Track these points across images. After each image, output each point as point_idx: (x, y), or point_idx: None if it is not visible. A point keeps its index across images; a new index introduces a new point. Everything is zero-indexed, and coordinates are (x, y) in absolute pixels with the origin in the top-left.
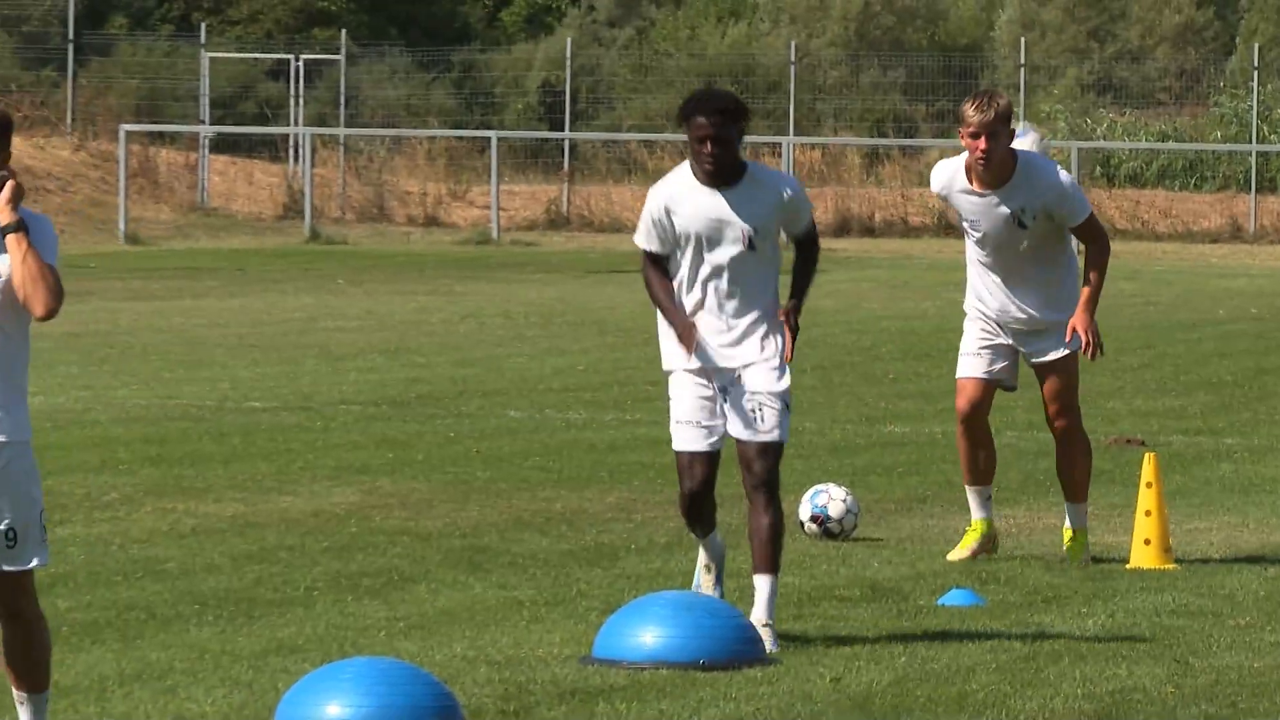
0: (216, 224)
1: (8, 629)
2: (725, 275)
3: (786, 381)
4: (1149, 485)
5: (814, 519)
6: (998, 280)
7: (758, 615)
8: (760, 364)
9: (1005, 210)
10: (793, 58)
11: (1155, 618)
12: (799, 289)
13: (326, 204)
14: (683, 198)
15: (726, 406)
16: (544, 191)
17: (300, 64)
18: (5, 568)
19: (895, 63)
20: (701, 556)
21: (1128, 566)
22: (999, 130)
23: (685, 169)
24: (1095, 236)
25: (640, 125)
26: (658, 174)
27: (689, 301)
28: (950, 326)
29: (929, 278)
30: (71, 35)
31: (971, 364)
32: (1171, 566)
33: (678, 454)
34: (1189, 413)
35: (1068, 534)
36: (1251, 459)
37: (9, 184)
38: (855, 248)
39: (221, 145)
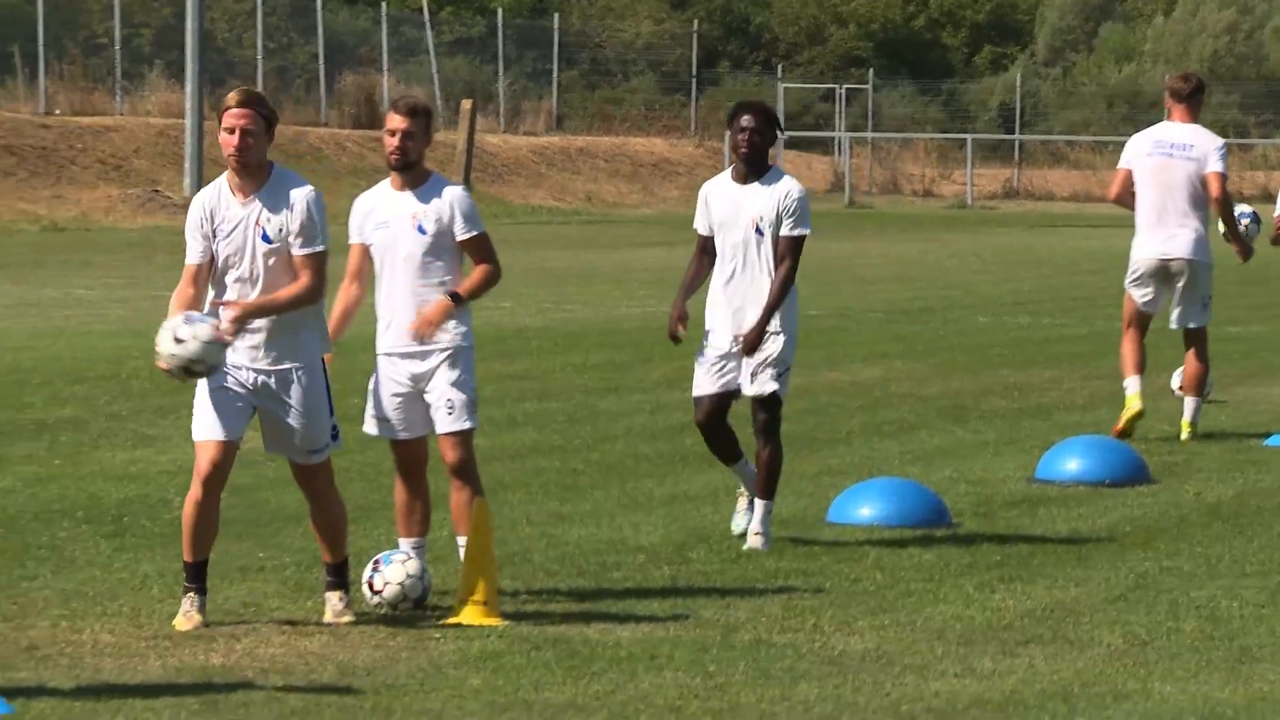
0: None
1: (453, 480)
2: (741, 255)
3: (785, 349)
4: None
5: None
6: None
7: (752, 526)
8: (768, 333)
9: None
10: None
11: None
12: (766, 310)
13: (859, 182)
14: (716, 191)
15: (740, 364)
16: (1002, 173)
17: (842, 91)
18: (448, 430)
19: (1234, 88)
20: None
21: None
22: None
23: (726, 173)
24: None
25: (1064, 130)
26: (1078, 163)
27: (718, 275)
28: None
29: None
30: (694, 73)
31: None
32: None
33: (693, 396)
34: None
35: None
36: None
37: (442, 307)
38: None
39: (790, 143)
